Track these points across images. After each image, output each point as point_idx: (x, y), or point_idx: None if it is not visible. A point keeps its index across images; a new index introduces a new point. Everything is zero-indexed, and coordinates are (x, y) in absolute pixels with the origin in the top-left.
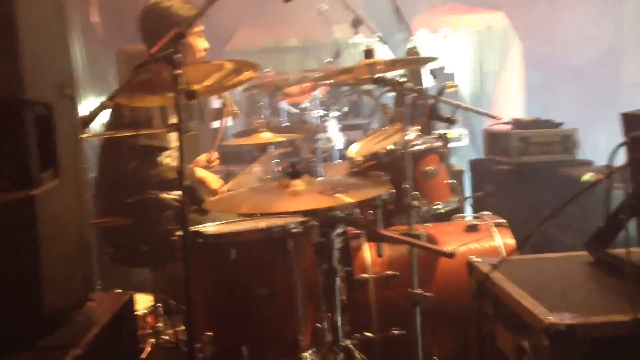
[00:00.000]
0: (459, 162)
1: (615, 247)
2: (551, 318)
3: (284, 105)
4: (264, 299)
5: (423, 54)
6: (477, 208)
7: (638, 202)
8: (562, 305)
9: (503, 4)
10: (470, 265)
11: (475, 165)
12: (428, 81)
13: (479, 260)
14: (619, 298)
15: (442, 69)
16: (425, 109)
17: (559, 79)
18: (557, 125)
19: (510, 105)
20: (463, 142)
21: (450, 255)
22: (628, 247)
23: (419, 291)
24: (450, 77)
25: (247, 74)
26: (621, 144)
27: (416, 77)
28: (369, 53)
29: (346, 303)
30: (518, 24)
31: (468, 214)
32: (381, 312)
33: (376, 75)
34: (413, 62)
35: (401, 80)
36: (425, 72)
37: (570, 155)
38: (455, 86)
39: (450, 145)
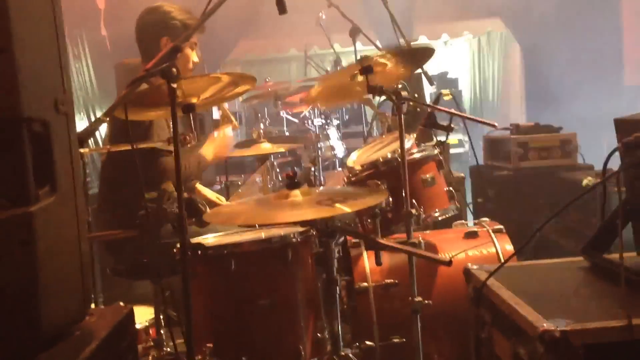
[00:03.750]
0: (460, 169)
1: (611, 252)
2: (545, 325)
3: (284, 114)
4: (264, 309)
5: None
6: (477, 214)
7: (632, 207)
8: (557, 311)
9: (500, 10)
10: (467, 273)
11: (475, 171)
12: (428, 88)
13: (476, 267)
14: (614, 304)
15: (446, 74)
16: (425, 115)
17: (559, 83)
18: (557, 130)
19: (510, 110)
20: (464, 149)
21: (447, 263)
22: (621, 252)
23: (419, 299)
24: (454, 82)
25: (244, 86)
26: (614, 150)
27: (416, 84)
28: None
29: (346, 312)
30: (516, 28)
31: (467, 221)
32: (381, 320)
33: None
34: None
35: (397, 88)
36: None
37: (570, 159)
38: (451, 94)
39: (450, 152)
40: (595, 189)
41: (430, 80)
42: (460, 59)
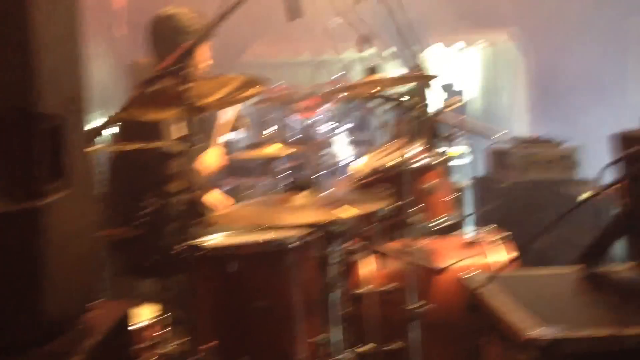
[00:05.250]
0: (463, 179)
1: (607, 263)
2: (536, 332)
3: (293, 119)
4: (262, 311)
5: (436, 68)
6: (478, 224)
7: (627, 220)
8: (550, 319)
9: (513, 22)
10: (464, 280)
11: (477, 182)
12: (440, 97)
13: (474, 274)
14: (606, 313)
15: (451, 85)
16: (428, 125)
17: (565, 98)
18: (558, 144)
19: (517, 123)
20: (467, 159)
21: (439, 271)
22: (615, 263)
23: (417, 305)
24: (459, 94)
25: (255, 88)
26: (609, 164)
27: (420, 92)
28: (371, 70)
29: (345, 316)
30: (527, 41)
31: (469, 230)
32: (380, 325)
33: (378, 92)
34: (411, 79)
35: (404, 97)
36: (437, 87)
37: (571, 174)
38: (459, 102)
39: (455, 162)
40: (594, 203)
41: (433, 88)
42: (469, 70)
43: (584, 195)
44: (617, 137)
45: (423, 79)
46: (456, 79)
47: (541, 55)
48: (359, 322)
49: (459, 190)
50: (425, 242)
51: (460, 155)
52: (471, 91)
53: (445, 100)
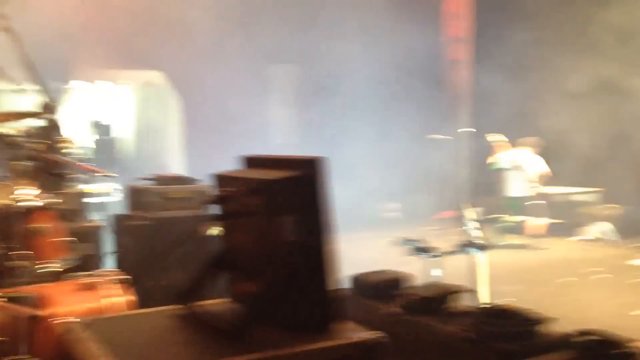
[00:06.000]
0: (106, 218)
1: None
2: None
3: None
4: None
5: (80, 105)
6: (114, 264)
7: (223, 256)
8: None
9: (162, 63)
10: (62, 326)
11: (116, 220)
12: (90, 134)
13: (70, 320)
14: (191, 350)
15: (100, 121)
16: (43, 165)
17: (217, 137)
18: (195, 181)
19: (172, 160)
20: (115, 198)
21: (34, 318)
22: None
23: (25, 357)
24: (106, 129)
25: None
26: (208, 202)
27: (51, 132)
28: None
29: None
30: (177, 82)
31: (91, 271)
32: None
33: None
34: (12, 116)
35: (20, 135)
36: (87, 123)
37: (206, 210)
38: (71, 142)
39: (100, 200)
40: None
41: (59, 128)
42: (122, 107)
43: (212, 232)
44: (215, 176)
45: (32, 116)
46: (106, 118)
47: (194, 97)
48: None
49: (93, 229)
50: (35, 288)
51: (105, 193)
52: (123, 130)
53: (97, 139)
